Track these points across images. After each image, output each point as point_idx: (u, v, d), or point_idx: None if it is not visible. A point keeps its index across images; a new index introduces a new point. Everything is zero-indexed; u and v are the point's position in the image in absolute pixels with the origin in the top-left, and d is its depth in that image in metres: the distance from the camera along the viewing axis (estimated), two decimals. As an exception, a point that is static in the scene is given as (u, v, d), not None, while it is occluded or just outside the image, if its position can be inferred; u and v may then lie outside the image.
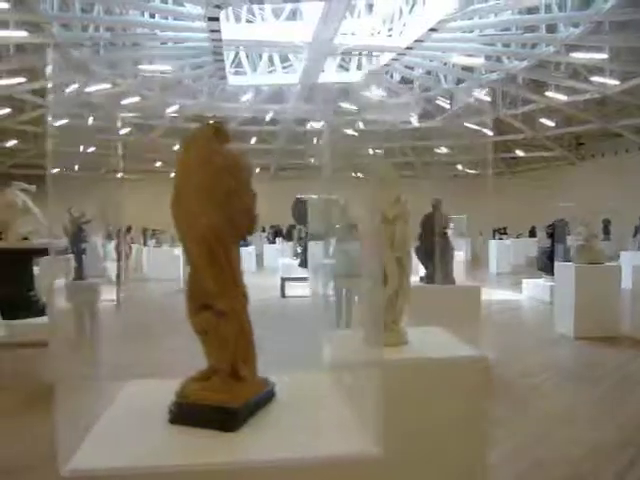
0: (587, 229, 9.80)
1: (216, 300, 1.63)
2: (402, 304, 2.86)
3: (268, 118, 27.73)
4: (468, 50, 20.19)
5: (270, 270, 21.02)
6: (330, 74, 22.37)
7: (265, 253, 23.33)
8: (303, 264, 13.13)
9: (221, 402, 1.59)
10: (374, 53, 20.60)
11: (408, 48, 18.87)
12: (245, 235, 1.73)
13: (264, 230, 30.40)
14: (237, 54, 21.34)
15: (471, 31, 18.99)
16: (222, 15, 16.51)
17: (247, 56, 21.67)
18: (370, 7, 18.89)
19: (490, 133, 28.28)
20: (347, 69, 22.99)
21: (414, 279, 8.67)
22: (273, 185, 36.69)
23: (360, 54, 20.34)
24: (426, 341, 2.93)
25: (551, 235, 13.51)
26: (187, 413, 1.63)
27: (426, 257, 7.52)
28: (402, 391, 2.41)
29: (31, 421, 5.75)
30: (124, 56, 20.48)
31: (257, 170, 35.62)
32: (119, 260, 12.42)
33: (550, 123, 26.17)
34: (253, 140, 30.82)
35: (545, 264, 13.32)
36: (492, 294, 13.84)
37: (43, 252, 10.67)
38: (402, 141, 32.29)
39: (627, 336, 8.99)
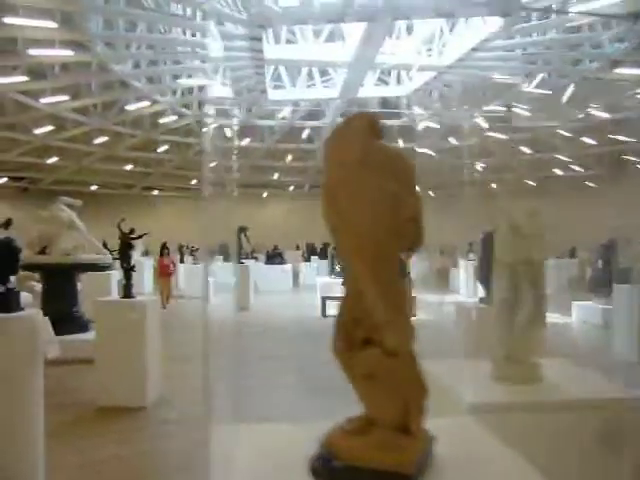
0: None
1: (384, 333, 1.27)
2: (537, 332, 2.45)
3: (305, 135, 27.56)
4: (510, 69, 19.79)
5: (307, 288, 20.68)
6: (370, 88, 22.18)
7: (301, 271, 22.95)
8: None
9: (391, 465, 1.23)
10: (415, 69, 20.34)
11: (449, 67, 18.58)
12: (411, 248, 1.36)
13: (298, 248, 30.19)
14: (276, 68, 21.27)
15: (513, 50, 18.65)
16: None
17: (286, 70, 21.56)
18: (410, 28, 18.69)
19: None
20: (387, 83, 22.77)
21: (473, 300, 8.29)
22: (308, 203, 36.60)
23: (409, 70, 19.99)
24: (562, 377, 2.51)
25: (605, 256, 12.89)
26: (343, 477, 1.26)
27: (487, 278, 7.11)
28: (553, 440, 2.02)
29: (81, 444, 5.48)
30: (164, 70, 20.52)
31: (291, 188, 35.53)
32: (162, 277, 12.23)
33: (592, 141, 25.50)
34: (289, 158, 30.72)
35: (598, 285, 12.70)
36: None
37: (87, 267, 10.55)
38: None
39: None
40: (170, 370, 7.74)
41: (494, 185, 34.27)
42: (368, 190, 1.26)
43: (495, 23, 15.10)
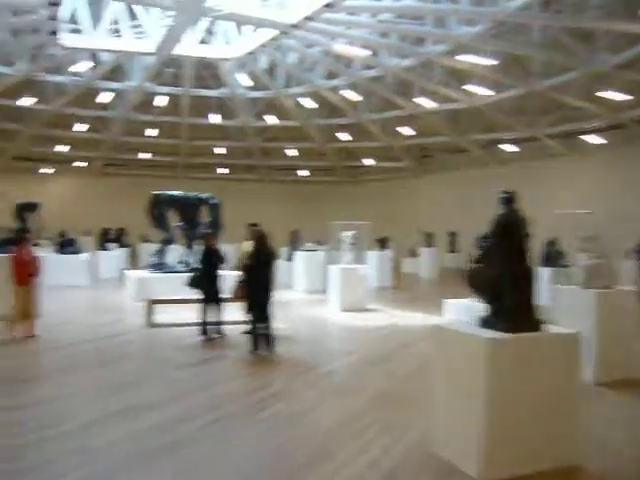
0: (595, 243, 7.21)
1: None
2: None
3: (104, 99, 21.93)
4: (354, 38, 17.42)
5: (108, 283, 16.10)
6: (189, 46, 18.12)
7: (100, 262, 17.96)
8: (195, 283, 8.68)
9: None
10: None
11: (294, 26, 15.56)
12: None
13: (88, 233, 24.47)
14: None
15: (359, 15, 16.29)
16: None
17: (89, 6, 16.45)
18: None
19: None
20: (209, 42, 18.88)
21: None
22: (100, 182, 30.57)
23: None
24: None
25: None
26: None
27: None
28: None
29: None
30: None
31: (81, 164, 29.34)
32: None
33: (410, 132, 24.55)
34: (77, 126, 24.54)
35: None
36: (404, 317, 11.08)
37: None
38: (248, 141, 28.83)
39: None
40: None
41: (305, 172, 32.32)
42: None
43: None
